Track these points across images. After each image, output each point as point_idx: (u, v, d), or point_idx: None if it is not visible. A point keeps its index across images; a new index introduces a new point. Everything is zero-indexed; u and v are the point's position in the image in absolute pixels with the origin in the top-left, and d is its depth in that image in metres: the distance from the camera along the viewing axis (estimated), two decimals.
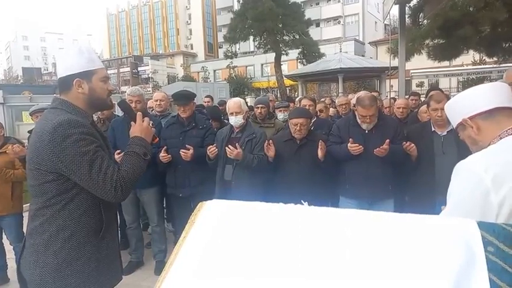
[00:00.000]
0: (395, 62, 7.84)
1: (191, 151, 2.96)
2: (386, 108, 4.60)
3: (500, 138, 1.04)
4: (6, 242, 3.19)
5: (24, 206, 3.19)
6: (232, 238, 0.57)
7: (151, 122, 1.60)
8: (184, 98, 3.18)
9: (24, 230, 3.02)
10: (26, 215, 3.03)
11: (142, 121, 1.54)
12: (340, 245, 0.55)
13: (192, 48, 52.36)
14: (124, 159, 1.42)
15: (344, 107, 4.43)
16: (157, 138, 1.80)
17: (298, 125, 2.80)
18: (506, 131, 1.04)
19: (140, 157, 1.44)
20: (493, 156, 0.99)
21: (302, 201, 0.69)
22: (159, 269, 3.28)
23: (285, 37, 19.30)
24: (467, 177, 0.97)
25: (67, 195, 1.31)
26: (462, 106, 1.16)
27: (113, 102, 1.66)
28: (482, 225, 0.59)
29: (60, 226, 1.30)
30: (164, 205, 3.73)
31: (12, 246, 3.15)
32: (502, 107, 1.08)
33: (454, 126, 1.24)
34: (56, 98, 1.41)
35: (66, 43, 68.96)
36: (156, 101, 3.85)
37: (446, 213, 1.02)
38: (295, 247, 0.56)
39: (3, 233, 3.15)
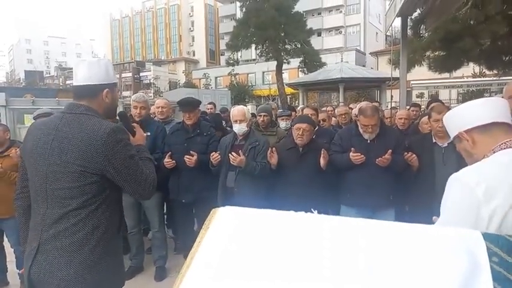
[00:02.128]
0: (396, 73, 7.90)
1: (195, 157, 2.99)
2: (387, 118, 4.63)
3: (494, 152, 1.06)
4: (6, 245, 3.19)
5: None
6: (250, 244, 0.60)
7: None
8: (190, 105, 3.22)
9: None
10: None
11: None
12: (354, 254, 0.57)
13: (194, 55, 52.69)
14: (144, 164, 1.54)
15: (344, 116, 4.41)
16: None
17: (301, 129, 2.82)
18: (500, 145, 1.05)
19: (152, 162, 1.63)
20: (485, 169, 1.00)
21: (312, 209, 0.72)
22: (159, 274, 3.28)
23: (286, 46, 19.43)
24: (459, 190, 0.99)
25: (102, 195, 1.41)
26: (459, 119, 1.18)
27: None
28: (487, 237, 0.62)
29: (95, 224, 1.39)
30: (164, 211, 3.74)
31: (12, 249, 3.14)
32: (499, 122, 1.09)
33: (452, 138, 1.27)
34: (78, 104, 1.46)
35: (69, 47, 69.57)
36: (158, 108, 3.84)
37: (439, 224, 1.04)
38: (309, 254, 0.58)
39: (4, 236, 3.15)
